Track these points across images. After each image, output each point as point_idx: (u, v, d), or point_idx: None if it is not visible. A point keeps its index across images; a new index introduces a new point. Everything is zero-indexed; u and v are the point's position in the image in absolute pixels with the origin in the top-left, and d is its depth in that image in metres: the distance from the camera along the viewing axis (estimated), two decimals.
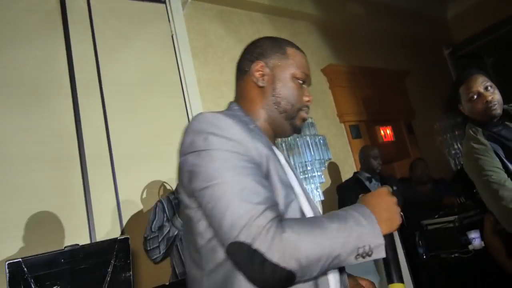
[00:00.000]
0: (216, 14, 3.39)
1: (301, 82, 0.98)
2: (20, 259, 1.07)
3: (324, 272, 0.76)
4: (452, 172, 4.66)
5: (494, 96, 1.60)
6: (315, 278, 0.76)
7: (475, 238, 2.49)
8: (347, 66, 4.16)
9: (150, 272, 2.33)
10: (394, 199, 0.82)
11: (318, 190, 3.30)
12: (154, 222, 2.09)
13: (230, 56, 3.35)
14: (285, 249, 0.67)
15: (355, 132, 3.97)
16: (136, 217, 2.50)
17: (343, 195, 3.22)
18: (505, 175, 1.52)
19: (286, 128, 0.99)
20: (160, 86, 2.88)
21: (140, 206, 2.54)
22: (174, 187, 2.69)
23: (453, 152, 4.84)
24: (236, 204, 0.71)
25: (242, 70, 1.02)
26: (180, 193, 0.84)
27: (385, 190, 0.84)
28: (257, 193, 0.73)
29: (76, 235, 2.18)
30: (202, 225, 0.78)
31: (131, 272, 1.28)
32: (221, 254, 0.76)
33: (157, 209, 2.15)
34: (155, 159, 2.65)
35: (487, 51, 5.70)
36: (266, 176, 0.80)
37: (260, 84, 0.97)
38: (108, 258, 1.23)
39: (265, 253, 0.67)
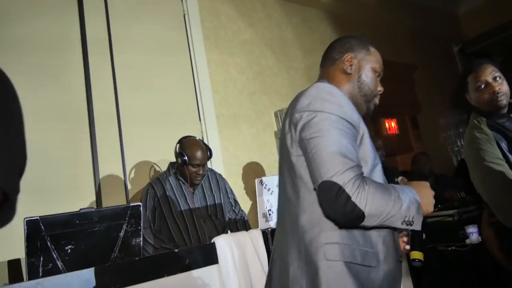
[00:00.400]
0: None
1: (377, 74, 1.23)
2: (38, 217, 1.11)
3: (378, 227, 0.98)
4: (454, 168, 4.69)
5: (502, 87, 1.59)
6: (386, 228, 1.01)
7: (472, 233, 2.52)
8: None
9: None
10: (432, 192, 1.06)
11: None
12: (147, 206, 2.10)
13: (240, 39, 3.36)
14: (365, 197, 0.90)
15: None
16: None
17: None
18: (507, 167, 1.54)
19: (363, 108, 1.21)
20: (170, 64, 2.90)
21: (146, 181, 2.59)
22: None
23: (456, 149, 4.86)
24: (335, 155, 0.94)
25: (333, 58, 1.24)
26: (286, 144, 1.07)
27: (427, 183, 1.08)
28: (351, 152, 0.96)
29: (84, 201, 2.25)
30: (302, 170, 1.02)
31: (141, 238, 1.32)
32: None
33: (148, 193, 2.13)
34: (162, 137, 2.68)
35: (497, 50, 5.68)
36: (360, 141, 1.04)
37: (349, 71, 1.20)
38: (120, 223, 1.27)
39: (351, 195, 0.90)
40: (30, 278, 1.10)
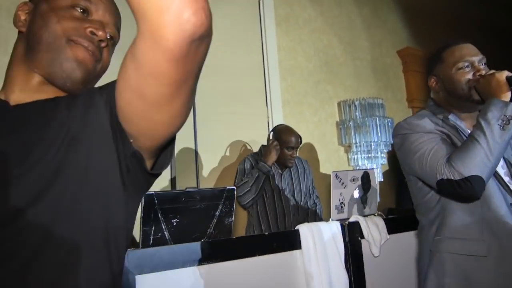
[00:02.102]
0: None
1: (465, 66, 1.31)
2: (153, 192, 1.25)
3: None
4: None
5: None
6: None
7: None
8: (423, 51, 4.05)
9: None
10: (499, 78, 1.22)
11: (379, 171, 3.35)
12: (245, 171, 2.30)
13: (310, 27, 3.37)
14: (456, 168, 1.16)
15: None
16: (213, 172, 2.69)
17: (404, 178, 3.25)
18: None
19: (465, 105, 1.34)
20: (243, 48, 2.99)
21: (216, 162, 2.73)
22: (249, 150, 2.85)
23: None
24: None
25: (429, 86, 1.44)
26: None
27: (497, 77, 1.23)
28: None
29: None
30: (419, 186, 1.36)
31: (233, 219, 1.44)
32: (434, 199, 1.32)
33: (245, 162, 2.34)
34: (232, 120, 2.79)
35: None
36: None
37: (438, 90, 1.40)
38: (217, 203, 1.39)
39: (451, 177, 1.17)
40: (144, 244, 1.25)
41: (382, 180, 3.37)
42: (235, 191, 1.42)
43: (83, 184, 0.61)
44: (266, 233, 1.37)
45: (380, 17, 3.88)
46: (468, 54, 1.32)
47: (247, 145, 2.85)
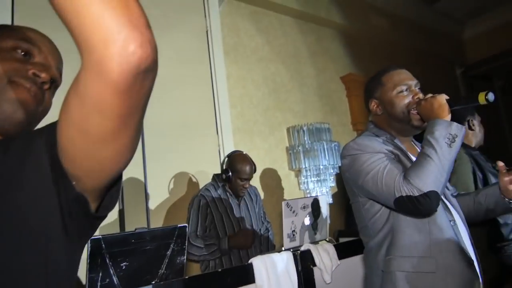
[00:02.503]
0: (249, 14, 3.49)
1: (404, 90, 1.40)
2: (100, 236, 1.21)
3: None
4: None
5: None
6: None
7: None
8: (365, 77, 4.29)
9: None
10: (439, 101, 1.31)
11: (328, 193, 3.46)
12: (199, 210, 2.22)
13: (258, 56, 3.47)
14: (414, 185, 1.19)
15: None
16: (164, 204, 2.64)
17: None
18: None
19: (409, 129, 1.41)
20: (191, 78, 3.00)
21: (166, 193, 2.68)
22: (200, 180, 2.83)
23: None
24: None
25: (367, 107, 1.51)
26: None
27: (436, 100, 1.32)
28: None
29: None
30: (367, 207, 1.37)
31: (185, 257, 1.42)
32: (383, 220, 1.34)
33: (200, 201, 2.25)
34: (182, 150, 2.77)
35: (497, 75, 5.89)
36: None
37: (379, 113, 1.46)
38: (168, 242, 1.36)
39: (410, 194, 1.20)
40: None
41: (332, 202, 3.48)
42: (187, 229, 1.40)
43: (20, 232, 0.58)
44: (220, 270, 1.36)
45: (323, 45, 4.08)
46: (406, 78, 1.41)
47: (192, 177, 2.82)
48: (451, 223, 1.31)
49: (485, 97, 1.24)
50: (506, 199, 1.38)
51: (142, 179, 2.57)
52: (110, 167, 0.61)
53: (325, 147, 3.37)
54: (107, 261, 1.22)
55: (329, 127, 3.52)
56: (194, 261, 2.17)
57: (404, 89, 1.39)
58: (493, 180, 1.96)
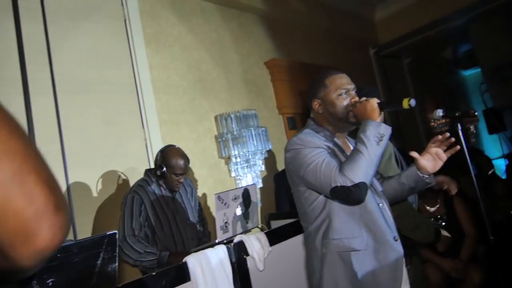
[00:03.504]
0: (169, 1, 3.39)
1: (343, 93, 1.58)
2: None
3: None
4: None
5: None
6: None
7: None
8: (287, 61, 4.42)
9: None
10: (370, 104, 1.50)
11: (258, 178, 3.56)
12: (133, 212, 2.17)
13: (180, 44, 3.40)
14: (347, 177, 1.36)
15: (291, 123, 4.29)
16: (89, 207, 2.53)
17: (279, 183, 3.49)
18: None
19: (342, 125, 1.62)
20: (112, 70, 2.86)
21: (91, 195, 2.57)
22: (130, 177, 2.75)
23: None
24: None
25: (310, 106, 1.68)
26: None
27: (367, 103, 1.51)
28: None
29: None
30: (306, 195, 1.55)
31: (116, 264, 1.40)
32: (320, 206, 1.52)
33: (134, 201, 2.20)
34: (107, 148, 2.66)
35: (406, 53, 6.42)
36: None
37: (320, 111, 1.64)
38: (98, 251, 1.33)
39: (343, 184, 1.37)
40: None
41: (262, 186, 3.59)
42: (117, 235, 1.38)
43: None
44: (154, 273, 1.37)
45: (246, 30, 4.10)
46: (346, 83, 1.60)
47: (121, 175, 2.74)
48: (380, 205, 1.54)
49: (408, 103, 1.45)
50: (423, 176, 1.62)
51: (65, 183, 2.43)
52: None
53: (253, 133, 3.45)
54: (33, 281, 1.17)
55: (255, 113, 3.60)
56: (127, 263, 2.14)
57: (343, 92, 1.58)
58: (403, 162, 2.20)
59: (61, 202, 0.50)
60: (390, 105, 1.63)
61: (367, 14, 6.14)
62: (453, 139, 1.57)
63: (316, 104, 1.64)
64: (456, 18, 5.37)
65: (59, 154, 2.45)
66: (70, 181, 2.47)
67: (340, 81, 1.61)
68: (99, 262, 1.34)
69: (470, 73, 7.83)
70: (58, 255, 1.24)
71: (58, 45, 2.58)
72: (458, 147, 1.59)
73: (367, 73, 5.93)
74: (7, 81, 2.34)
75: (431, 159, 1.61)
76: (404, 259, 1.54)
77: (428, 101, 6.58)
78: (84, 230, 2.42)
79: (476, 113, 2.00)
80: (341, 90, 1.58)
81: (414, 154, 1.61)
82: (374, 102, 1.50)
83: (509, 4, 4.83)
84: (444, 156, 1.60)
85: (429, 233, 2.08)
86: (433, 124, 6.44)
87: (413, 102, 1.45)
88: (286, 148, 1.57)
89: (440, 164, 1.61)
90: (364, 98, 1.54)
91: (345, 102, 1.58)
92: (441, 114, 1.74)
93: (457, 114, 1.84)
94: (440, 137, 1.59)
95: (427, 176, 1.63)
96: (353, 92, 1.61)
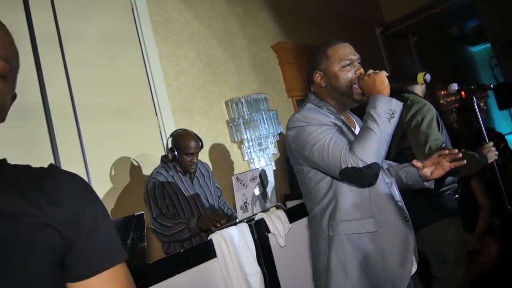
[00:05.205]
0: None
1: (347, 64, 1.44)
2: None
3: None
4: None
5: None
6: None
7: None
8: (294, 44, 4.41)
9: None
10: (380, 78, 1.36)
11: (270, 160, 3.60)
12: (157, 195, 2.23)
13: (188, 31, 3.41)
14: (359, 157, 1.25)
15: None
16: (109, 194, 2.59)
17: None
18: None
19: (345, 101, 1.47)
20: (122, 59, 2.89)
21: (110, 183, 2.63)
22: (143, 164, 2.80)
23: None
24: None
25: (311, 79, 1.52)
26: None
27: (377, 76, 1.37)
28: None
29: None
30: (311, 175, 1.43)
31: (145, 243, 1.45)
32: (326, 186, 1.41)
33: (156, 188, 2.25)
34: (122, 135, 2.71)
35: (412, 31, 6.35)
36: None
37: (323, 85, 1.48)
38: (128, 232, 1.38)
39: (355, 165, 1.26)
40: None
41: (275, 168, 3.63)
42: (144, 216, 1.43)
43: None
44: (182, 251, 1.42)
45: (252, 15, 4.09)
46: (350, 53, 1.44)
47: (134, 161, 2.79)
48: (388, 184, 1.44)
49: (423, 77, 1.33)
50: (422, 180, 1.53)
51: (84, 172, 2.49)
52: None
53: (264, 116, 3.47)
54: None
55: (265, 96, 3.61)
56: (164, 241, 2.23)
57: (347, 63, 1.43)
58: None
59: None
60: (401, 80, 1.48)
61: None
62: (460, 155, 1.40)
63: (318, 77, 1.48)
64: None
65: (76, 139, 2.50)
66: (90, 168, 2.52)
67: (343, 51, 1.45)
68: (129, 241, 1.39)
69: (478, 49, 7.73)
70: None
71: (69, 35, 2.61)
72: (465, 161, 1.41)
73: (374, 53, 5.89)
74: (21, 72, 2.38)
75: (433, 167, 1.49)
76: (414, 240, 1.43)
77: (437, 79, 6.53)
78: None
79: (491, 85, 1.91)
80: (345, 61, 1.43)
81: (417, 163, 1.50)
82: (384, 75, 1.35)
83: None
84: (447, 167, 1.45)
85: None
86: (442, 101, 6.38)
87: (428, 77, 1.33)
88: (288, 125, 1.43)
89: (441, 173, 1.47)
90: (371, 71, 1.39)
91: (350, 74, 1.43)
92: (456, 87, 1.74)
93: (472, 87, 1.84)
94: (447, 151, 1.44)
95: (427, 182, 1.53)
96: (357, 64, 1.46)
